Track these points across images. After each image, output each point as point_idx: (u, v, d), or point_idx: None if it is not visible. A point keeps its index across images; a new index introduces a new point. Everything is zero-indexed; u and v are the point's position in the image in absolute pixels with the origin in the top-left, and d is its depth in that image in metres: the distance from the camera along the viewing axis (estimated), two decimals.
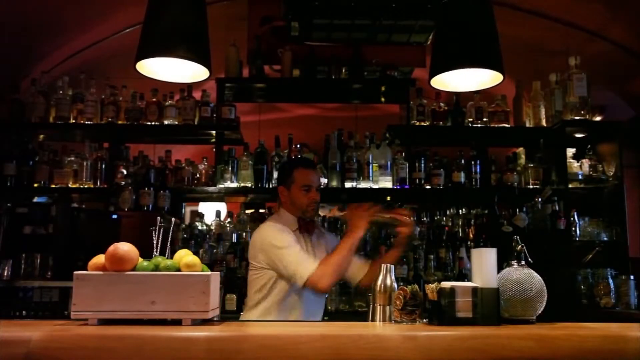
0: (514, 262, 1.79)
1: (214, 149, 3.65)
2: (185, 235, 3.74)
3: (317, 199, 2.44)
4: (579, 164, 3.61)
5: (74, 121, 3.59)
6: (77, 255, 3.15)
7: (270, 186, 3.53)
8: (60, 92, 3.61)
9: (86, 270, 1.65)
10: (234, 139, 3.75)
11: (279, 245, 2.30)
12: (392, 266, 1.93)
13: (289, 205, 2.47)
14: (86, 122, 3.56)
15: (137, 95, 3.63)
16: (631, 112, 4.27)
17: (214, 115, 3.59)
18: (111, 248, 1.64)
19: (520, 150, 3.97)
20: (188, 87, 3.62)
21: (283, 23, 3.70)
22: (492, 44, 2.07)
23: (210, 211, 4.24)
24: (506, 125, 3.66)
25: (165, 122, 3.57)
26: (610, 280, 3.34)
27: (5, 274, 3.22)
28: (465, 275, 3.42)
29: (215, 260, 3.51)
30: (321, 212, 3.87)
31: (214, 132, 3.63)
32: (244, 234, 3.77)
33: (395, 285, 1.88)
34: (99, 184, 3.58)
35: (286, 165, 2.62)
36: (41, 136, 3.80)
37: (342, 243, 2.33)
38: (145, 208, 3.42)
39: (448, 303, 1.65)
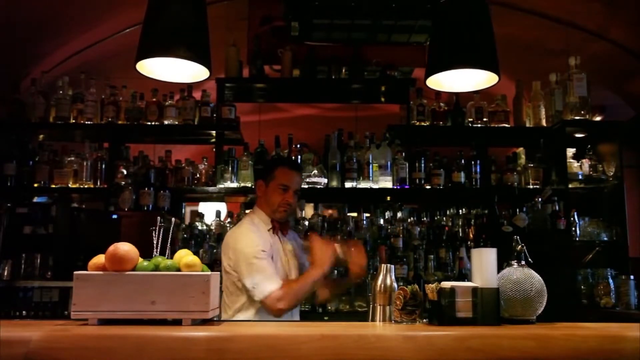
0: (514, 262, 1.79)
1: (214, 149, 3.65)
2: (185, 235, 3.74)
3: (291, 201, 2.40)
4: (579, 164, 3.61)
5: (74, 121, 3.59)
6: (77, 255, 3.16)
7: None
8: (60, 92, 3.61)
9: (86, 270, 1.65)
10: (234, 139, 3.75)
11: (249, 254, 2.25)
12: (392, 266, 1.94)
13: (263, 203, 2.45)
14: (86, 122, 3.56)
15: (137, 95, 3.63)
16: (631, 112, 4.27)
17: (214, 115, 3.59)
18: (111, 248, 1.64)
19: (520, 150, 3.98)
20: (188, 87, 3.62)
21: (283, 23, 3.70)
22: (488, 45, 2.07)
23: (210, 211, 4.24)
24: (506, 125, 3.66)
25: (165, 122, 3.57)
26: (610, 280, 3.34)
27: (5, 274, 3.23)
28: (465, 275, 3.42)
29: (215, 260, 3.50)
30: (320, 212, 3.88)
31: (214, 132, 3.63)
32: None
33: (395, 285, 1.89)
34: (99, 184, 3.58)
35: (271, 161, 2.60)
36: (41, 136, 3.80)
37: (307, 275, 2.30)
38: (145, 208, 3.42)
39: (448, 303, 1.65)
